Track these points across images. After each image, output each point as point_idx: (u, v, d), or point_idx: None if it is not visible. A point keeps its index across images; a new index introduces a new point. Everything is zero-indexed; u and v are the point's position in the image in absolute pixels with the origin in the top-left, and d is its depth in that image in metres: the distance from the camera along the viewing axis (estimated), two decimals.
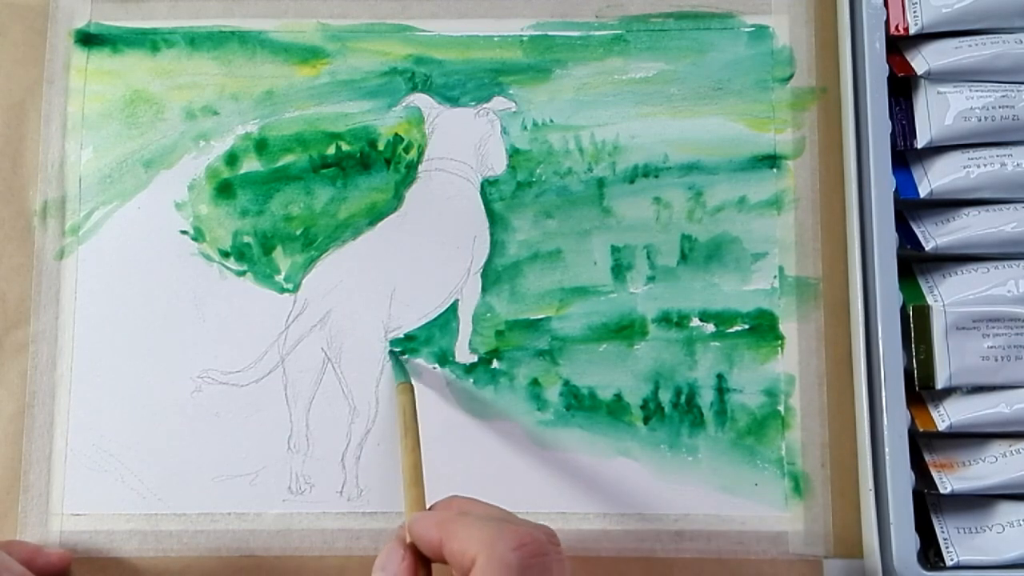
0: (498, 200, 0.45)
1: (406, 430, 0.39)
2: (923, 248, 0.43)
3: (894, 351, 0.42)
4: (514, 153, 0.45)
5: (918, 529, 0.40)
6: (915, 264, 0.44)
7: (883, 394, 0.41)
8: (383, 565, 0.33)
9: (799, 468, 0.43)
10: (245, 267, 0.45)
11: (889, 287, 0.42)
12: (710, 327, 0.44)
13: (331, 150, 0.45)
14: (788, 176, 0.45)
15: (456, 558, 0.31)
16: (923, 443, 0.43)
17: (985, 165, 0.43)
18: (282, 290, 0.44)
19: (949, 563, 0.40)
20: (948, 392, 0.42)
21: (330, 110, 0.46)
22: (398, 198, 0.45)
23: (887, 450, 0.41)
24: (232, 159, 0.45)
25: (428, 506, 0.36)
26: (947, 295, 0.43)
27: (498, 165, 0.45)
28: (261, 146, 0.45)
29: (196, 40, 0.46)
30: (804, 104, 0.45)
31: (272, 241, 0.45)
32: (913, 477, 0.41)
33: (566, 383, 0.44)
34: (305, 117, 0.46)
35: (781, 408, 0.43)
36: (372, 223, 0.45)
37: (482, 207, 0.45)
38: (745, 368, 0.44)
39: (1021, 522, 0.41)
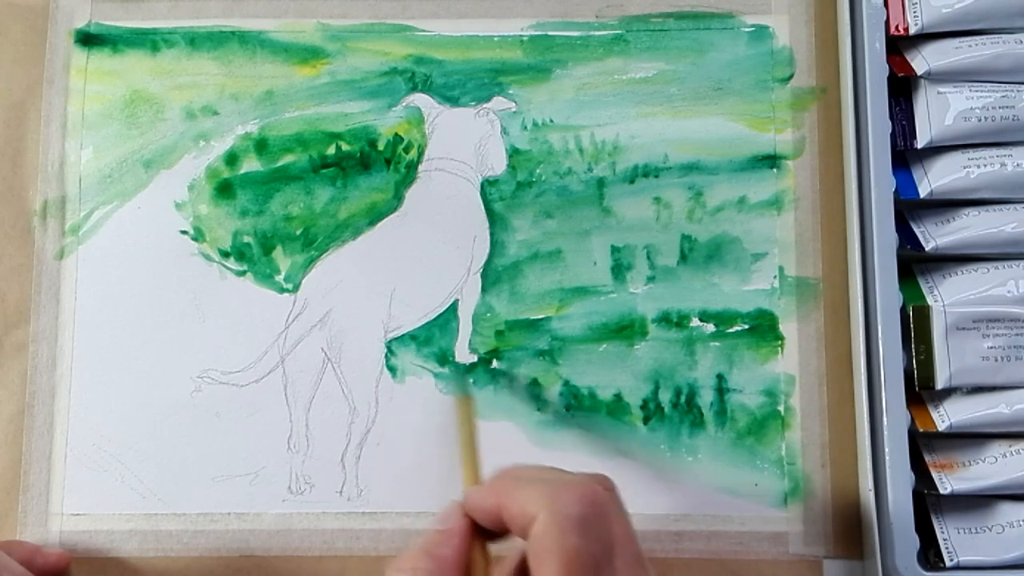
0: (498, 200, 0.45)
1: (469, 451, 0.38)
2: (923, 248, 0.43)
3: (894, 351, 0.42)
4: (514, 153, 0.45)
5: (918, 529, 0.40)
6: (915, 264, 0.44)
7: (883, 394, 0.41)
8: (444, 520, 0.33)
9: (799, 468, 0.43)
10: (245, 267, 0.45)
11: (889, 287, 0.42)
12: (710, 327, 0.44)
13: (331, 150, 0.45)
14: (788, 176, 0.45)
15: (517, 520, 0.31)
16: (923, 443, 0.43)
17: (985, 165, 0.43)
18: (282, 290, 0.44)
19: (949, 563, 0.40)
20: (948, 392, 0.42)
21: (330, 110, 0.46)
22: (398, 198, 0.45)
23: (887, 450, 0.41)
24: (232, 159, 0.45)
25: None
26: (947, 295, 0.43)
27: (498, 165, 0.45)
28: (261, 146, 0.45)
29: (196, 40, 0.46)
30: (804, 104, 0.45)
31: (272, 241, 0.45)
32: (913, 477, 0.41)
33: (566, 383, 0.44)
34: (305, 117, 0.46)
35: (781, 408, 0.43)
36: (372, 223, 0.45)
37: (482, 207, 0.45)
38: (745, 368, 0.44)
39: (1021, 522, 0.41)
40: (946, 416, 0.42)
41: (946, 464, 0.42)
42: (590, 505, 0.30)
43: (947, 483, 0.41)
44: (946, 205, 0.44)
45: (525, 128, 0.45)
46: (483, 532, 0.33)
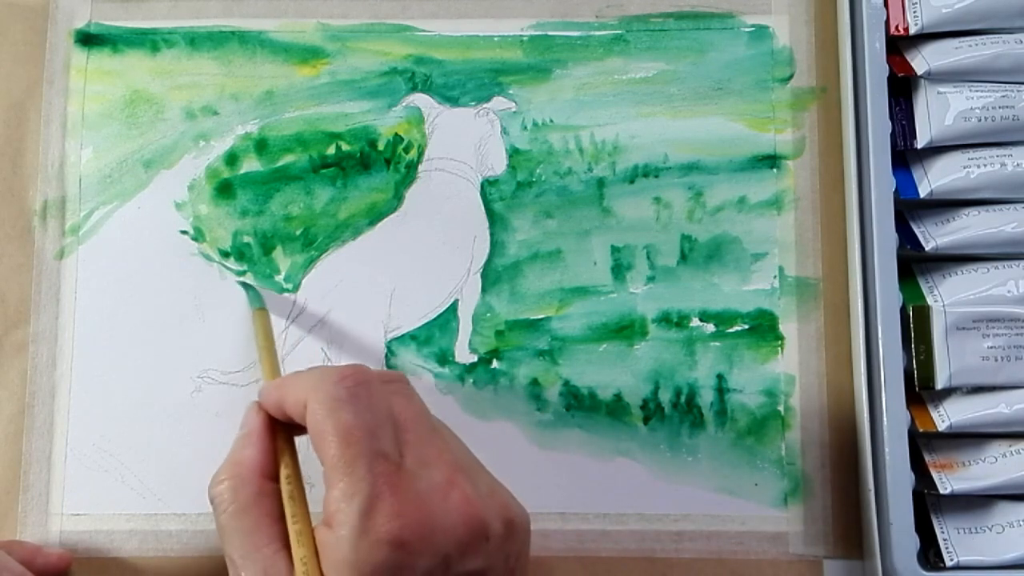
0: (498, 200, 0.45)
1: (266, 353, 0.39)
2: (923, 248, 0.43)
3: (894, 351, 0.42)
4: (514, 153, 0.45)
5: (918, 529, 0.40)
6: (915, 264, 0.44)
7: (883, 394, 0.41)
8: (243, 424, 0.34)
9: (799, 468, 0.43)
10: (245, 267, 0.45)
11: (889, 287, 0.42)
12: (710, 327, 0.44)
13: (331, 150, 0.45)
14: (788, 176, 0.45)
15: (295, 409, 0.32)
16: (923, 443, 0.43)
17: (985, 165, 0.43)
18: (282, 290, 0.44)
19: (949, 563, 0.40)
20: (948, 392, 0.42)
21: (330, 110, 0.46)
22: (398, 198, 0.45)
23: (887, 450, 0.41)
24: (232, 159, 0.45)
25: None
26: (947, 295, 0.43)
27: (498, 165, 0.45)
28: (261, 146, 0.45)
29: (196, 40, 0.46)
30: (804, 104, 0.45)
31: (272, 241, 0.45)
32: (913, 477, 0.41)
33: (566, 383, 0.44)
34: (305, 117, 0.46)
35: (781, 408, 0.43)
36: (372, 223, 0.45)
37: (482, 207, 0.45)
38: (745, 368, 0.44)
39: (1021, 522, 0.41)
40: (946, 416, 0.42)
41: (946, 464, 0.42)
42: (354, 384, 0.31)
43: (947, 483, 0.41)
44: (946, 205, 0.44)
45: (525, 128, 0.45)
46: (288, 427, 0.34)
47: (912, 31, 0.44)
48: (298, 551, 0.30)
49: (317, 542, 0.30)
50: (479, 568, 0.30)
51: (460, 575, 0.30)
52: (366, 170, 0.45)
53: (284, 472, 0.33)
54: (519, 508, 0.32)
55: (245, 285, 0.44)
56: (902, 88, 0.45)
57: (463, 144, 0.45)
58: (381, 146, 0.45)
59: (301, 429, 0.33)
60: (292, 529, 0.31)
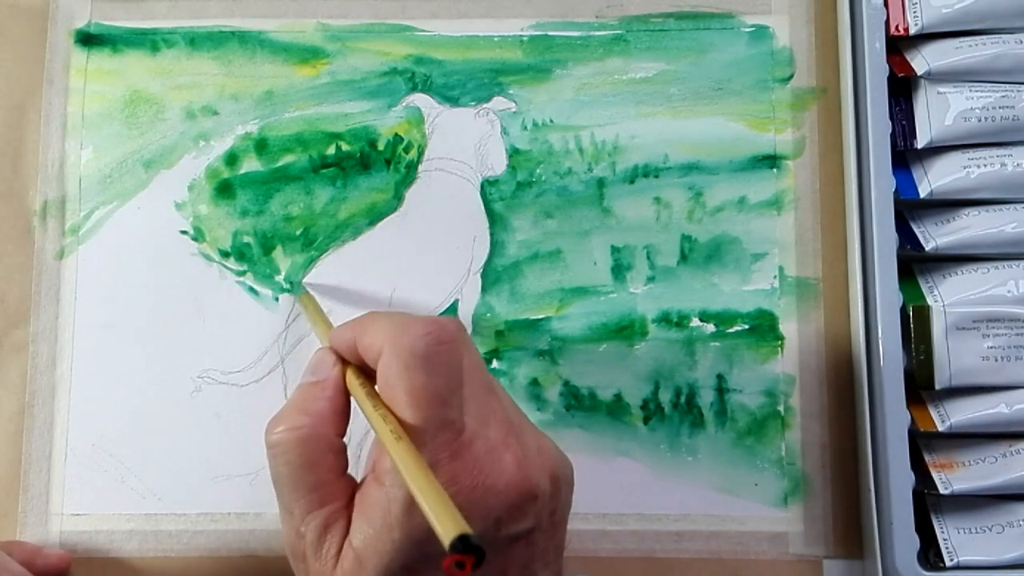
0: (498, 200, 0.45)
1: (319, 324, 0.40)
2: (923, 248, 0.43)
3: (894, 351, 0.42)
4: (514, 153, 0.45)
5: (918, 529, 0.40)
6: (915, 264, 0.44)
7: (883, 394, 0.41)
8: (315, 370, 0.33)
9: (799, 468, 0.43)
10: (245, 267, 0.45)
11: (889, 287, 0.42)
12: (710, 327, 0.44)
13: (331, 150, 0.45)
14: (788, 176, 0.45)
15: (368, 352, 0.31)
16: (923, 443, 0.43)
17: (985, 165, 0.43)
18: (282, 290, 0.44)
19: (949, 563, 0.40)
20: (948, 392, 0.42)
21: (330, 110, 0.46)
22: (398, 198, 0.45)
23: (887, 450, 0.41)
24: (232, 159, 0.45)
25: None
26: (947, 295, 0.43)
27: (498, 165, 0.45)
28: (261, 146, 0.45)
29: (196, 40, 0.46)
30: (804, 104, 0.45)
31: (272, 241, 0.45)
32: (913, 477, 0.41)
33: (566, 383, 0.44)
34: (305, 117, 0.46)
35: (781, 408, 0.43)
36: (372, 223, 0.45)
37: (482, 207, 0.45)
38: (745, 368, 0.44)
39: (1021, 522, 0.41)
40: (946, 416, 0.42)
41: (946, 464, 0.42)
42: (437, 341, 0.30)
43: (947, 483, 0.41)
44: (946, 205, 0.44)
45: (525, 128, 0.45)
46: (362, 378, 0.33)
47: (912, 31, 0.44)
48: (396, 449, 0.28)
49: (365, 497, 0.30)
50: (527, 528, 0.30)
51: (509, 536, 0.30)
52: (366, 170, 0.45)
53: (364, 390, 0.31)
54: (563, 460, 0.32)
55: (294, 287, 0.44)
56: (902, 88, 0.44)
57: (463, 144, 0.45)
58: (381, 146, 0.45)
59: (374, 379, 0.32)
60: (379, 419, 0.29)
